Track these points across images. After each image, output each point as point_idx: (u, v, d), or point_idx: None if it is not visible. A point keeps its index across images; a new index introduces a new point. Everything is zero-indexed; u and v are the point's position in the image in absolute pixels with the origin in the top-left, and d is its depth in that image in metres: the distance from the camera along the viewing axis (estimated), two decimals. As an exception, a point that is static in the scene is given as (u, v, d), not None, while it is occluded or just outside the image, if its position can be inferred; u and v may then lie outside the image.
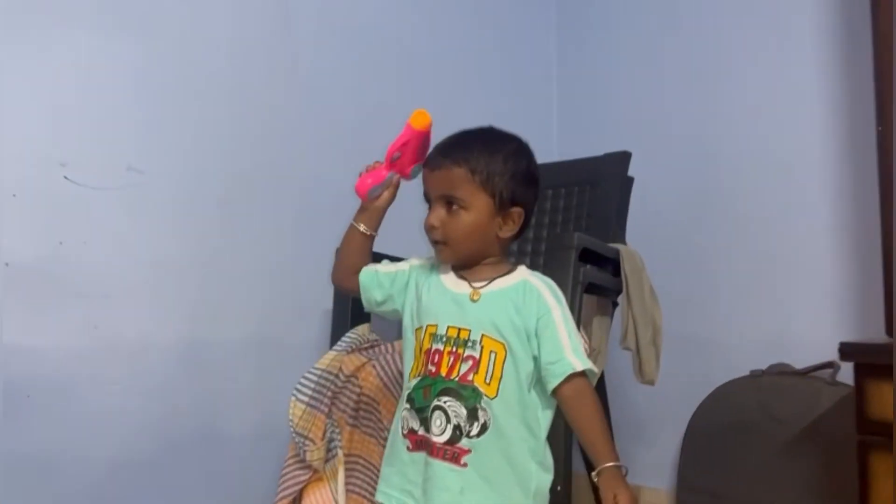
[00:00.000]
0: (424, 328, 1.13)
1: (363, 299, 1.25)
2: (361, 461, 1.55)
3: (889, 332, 1.61)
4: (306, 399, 1.58)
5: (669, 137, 2.31)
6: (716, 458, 2.01)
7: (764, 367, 1.98)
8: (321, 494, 1.56)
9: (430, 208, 1.14)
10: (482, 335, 1.09)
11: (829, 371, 1.83)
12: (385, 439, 1.49)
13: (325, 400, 1.58)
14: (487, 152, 1.12)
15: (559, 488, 1.27)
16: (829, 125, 1.95)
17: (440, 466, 1.08)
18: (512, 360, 1.08)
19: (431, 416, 1.08)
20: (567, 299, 1.26)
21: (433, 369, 1.11)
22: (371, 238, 1.24)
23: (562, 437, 1.38)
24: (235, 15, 1.98)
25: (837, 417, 1.74)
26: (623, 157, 1.92)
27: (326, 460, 1.55)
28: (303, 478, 1.56)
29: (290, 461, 1.59)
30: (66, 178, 1.70)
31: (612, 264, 1.69)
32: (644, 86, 2.41)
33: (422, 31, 2.38)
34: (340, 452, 1.54)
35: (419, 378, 1.13)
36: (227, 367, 1.89)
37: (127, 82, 1.79)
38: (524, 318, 1.10)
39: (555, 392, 1.09)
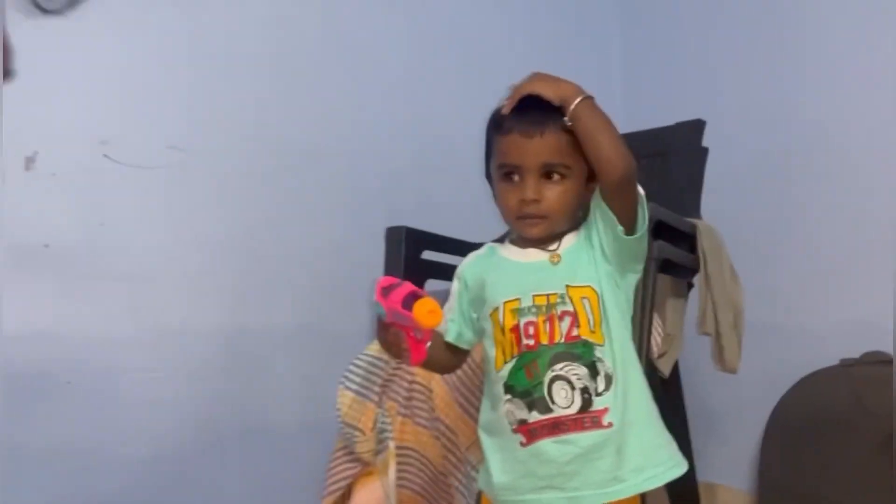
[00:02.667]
0: (502, 306, 1.07)
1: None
2: (414, 454, 1.51)
3: None
4: (355, 387, 1.56)
5: (744, 109, 2.18)
6: (801, 454, 1.88)
7: (857, 355, 1.86)
8: (372, 490, 1.54)
9: (511, 181, 1.06)
10: (566, 286, 1.04)
11: (934, 360, 1.68)
12: (440, 431, 1.46)
13: (376, 388, 1.56)
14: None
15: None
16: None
17: (584, 438, 1.01)
18: (607, 294, 1.05)
19: (550, 389, 1.02)
20: (642, 278, 1.16)
21: (531, 343, 1.04)
22: (440, 336, 1.15)
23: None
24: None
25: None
26: (696, 126, 1.81)
27: (377, 452, 1.53)
28: (352, 471, 1.56)
29: (339, 454, 1.59)
30: (106, 156, 1.71)
31: (687, 241, 1.58)
32: (716, 49, 2.28)
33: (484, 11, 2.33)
34: (392, 444, 1.51)
35: (515, 358, 1.05)
36: (271, 354, 1.90)
37: (168, 60, 1.80)
38: (593, 244, 1.07)
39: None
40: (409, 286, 0.96)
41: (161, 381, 1.73)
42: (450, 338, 1.13)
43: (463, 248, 1.78)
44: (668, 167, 1.80)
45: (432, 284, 1.83)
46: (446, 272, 1.74)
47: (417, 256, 1.80)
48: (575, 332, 1.02)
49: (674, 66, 2.42)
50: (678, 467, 1.06)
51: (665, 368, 1.56)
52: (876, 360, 1.81)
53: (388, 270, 1.81)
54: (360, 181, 2.03)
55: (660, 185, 1.79)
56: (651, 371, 1.55)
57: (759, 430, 1.98)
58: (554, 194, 1.04)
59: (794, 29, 2.08)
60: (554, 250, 1.07)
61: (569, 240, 1.09)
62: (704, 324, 1.55)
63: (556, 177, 1.04)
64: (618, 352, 1.04)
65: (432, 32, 2.22)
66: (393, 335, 1.02)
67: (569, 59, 2.43)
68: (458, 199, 1.93)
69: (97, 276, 1.66)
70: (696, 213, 1.72)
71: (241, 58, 1.89)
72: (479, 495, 1.19)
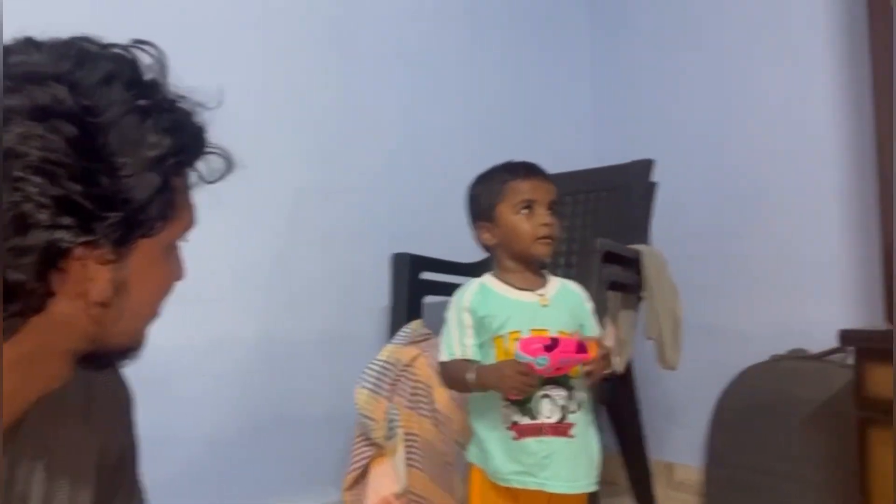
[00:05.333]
0: (507, 335, 1.32)
1: None
2: (419, 439, 1.75)
3: (889, 318, 1.78)
4: (370, 386, 1.81)
5: (694, 141, 2.46)
6: (741, 435, 2.16)
7: (783, 352, 2.13)
8: (385, 468, 1.78)
9: (529, 214, 1.35)
10: (559, 331, 1.31)
11: (841, 355, 1.98)
12: (440, 421, 1.72)
13: (386, 386, 1.81)
14: None
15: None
16: (836, 127, 2.10)
17: (556, 442, 1.29)
18: None
19: (539, 403, 1.29)
20: (593, 296, 1.49)
21: None
22: None
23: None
24: (300, 45, 2.22)
25: (847, 397, 1.89)
26: (646, 165, 2.09)
27: (388, 438, 1.77)
28: (369, 453, 1.80)
29: (358, 440, 1.83)
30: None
31: (636, 263, 1.87)
32: (672, 95, 2.57)
33: (469, 52, 2.58)
34: (400, 431, 1.75)
35: None
36: (300, 359, 2.13)
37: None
38: (578, 315, 1.38)
39: None
40: (546, 338, 1.25)
41: (209, 384, 1.96)
42: (476, 357, 1.34)
43: (454, 268, 2.08)
44: (623, 199, 2.08)
45: (430, 299, 2.13)
46: (440, 289, 2.02)
47: (417, 277, 2.09)
48: None
49: (636, 110, 2.68)
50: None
51: (619, 367, 1.86)
52: (799, 357, 2.09)
53: (395, 289, 2.10)
54: (366, 212, 2.27)
55: (617, 215, 2.11)
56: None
57: (708, 416, 2.26)
58: (556, 225, 1.36)
59: (734, 80, 2.37)
60: (543, 294, 1.36)
61: (552, 287, 1.38)
62: (649, 330, 1.86)
63: (552, 212, 1.36)
64: (583, 387, 1.33)
65: (425, 79, 2.46)
66: (531, 377, 1.24)
67: (544, 101, 2.74)
68: (446, 226, 2.02)
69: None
70: (645, 239, 2.01)
71: (272, 89, 2.12)
72: (470, 467, 1.44)
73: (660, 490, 2.32)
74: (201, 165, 0.75)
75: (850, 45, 2.03)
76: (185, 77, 0.73)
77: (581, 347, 1.24)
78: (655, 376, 2.21)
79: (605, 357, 1.30)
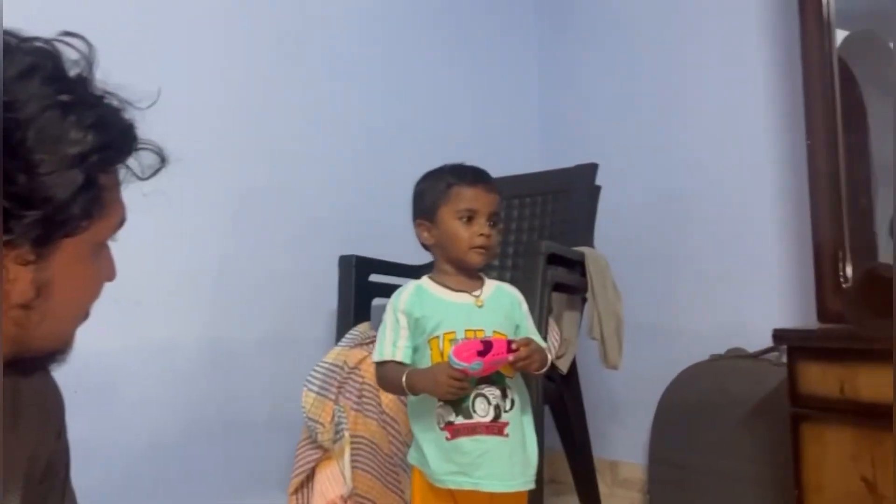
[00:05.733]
0: (441, 336, 1.33)
1: None
2: (365, 440, 1.76)
3: (820, 318, 1.85)
4: (316, 388, 1.81)
5: (638, 148, 2.52)
6: (682, 433, 2.21)
7: (722, 351, 2.19)
8: (331, 471, 1.78)
9: (468, 222, 1.36)
10: (493, 331, 1.34)
11: (776, 354, 2.06)
12: (386, 423, 1.73)
13: (333, 388, 1.80)
14: None
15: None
16: (772, 138, 2.17)
17: (490, 441, 1.30)
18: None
19: (474, 402, 1.30)
20: (537, 298, 1.51)
21: None
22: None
23: (536, 412, 1.60)
24: (246, 51, 2.21)
25: (781, 395, 1.96)
26: (591, 169, 2.13)
27: (335, 441, 1.77)
28: (314, 456, 1.79)
29: (304, 443, 1.83)
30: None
31: (580, 265, 1.90)
32: (616, 103, 2.63)
33: (415, 54, 2.59)
34: (347, 434, 1.75)
35: None
36: (245, 363, 2.12)
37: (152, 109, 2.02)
38: (513, 316, 1.40)
39: None
40: (478, 343, 1.27)
41: (151, 389, 1.93)
42: (407, 360, 1.36)
43: (402, 270, 2.09)
44: (568, 202, 2.13)
45: (379, 302, 2.11)
46: (389, 292, 2.00)
47: (365, 279, 2.09)
48: None
49: (583, 116, 2.73)
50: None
51: (563, 367, 1.90)
52: (737, 356, 2.15)
53: (342, 291, 2.10)
54: (313, 214, 2.27)
55: (562, 217, 2.15)
56: (551, 368, 1.90)
57: (651, 415, 2.30)
58: (495, 236, 1.38)
59: (676, 91, 2.44)
60: (478, 296, 1.38)
61: (488, 290, 1.40)
62: (592, 330, 1.90)
63: (493, 224, 1.38)
64: (520, 385, 1.36)
65: (373, 81, 2.46)
66: (463, 381, 1.25)
67: (492, 105, 2.77)
68: (395, 227, 2.14)
69: (97, 301, 1.86)
70: (589, 241, 2.04)
71: (212, 115, 2.10)
72: (413, 468, 1.45)
73: (605, 488, 2.37)
74: (133, 162, 0.74)
75: (785, 55, 2.11)
76: (137, 75, 0.72)
77: (511, 348, 1.27)
78: (600, 376, 2.25)
79: (540, 352, 1.32)
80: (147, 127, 1.95)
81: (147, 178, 0.76)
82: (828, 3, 1.88)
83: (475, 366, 1.24)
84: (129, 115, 0.72)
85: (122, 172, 0.74)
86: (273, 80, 2.26)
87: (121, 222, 0.75)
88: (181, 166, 2.15)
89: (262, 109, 2.23)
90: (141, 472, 1.92)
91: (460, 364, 1.24)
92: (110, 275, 0.77)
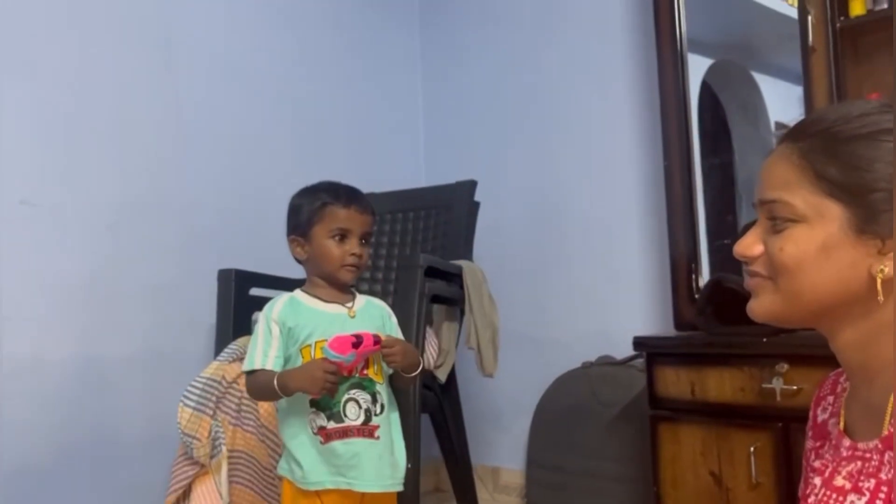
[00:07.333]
0: (313, 345, 1.37)
1: None
2: (244, 456, 1.75)
3: (676, 325, 2.00)
4: (193, 404, 1.78)
5: (515, 167, 2.65)
6: (557, 437, 2.33)
7: (593, 358, 2.32)
8: (207, 487, 1.75)
9: (340, 241, 1.41)
10: None
11: (641, 360, 2.19)
12: (265, 436, 1.74)
13: (210, 403, 1.78)
14: None
15: (409, 465, 1.53)
16: (636, 160, 2.34)
17: (361, 443, 1.36)
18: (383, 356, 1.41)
19: (345, 407, 1.36)
20: (414, 308, 1.57)
21: None
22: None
23: (413, 420, 1.67)
24: (120, 58, 2.17)
25: (644, 398, 2.09)
26: (470, 185, 2.21)
27: (212, 456, 1.74)
28: (191, 472, 1.76)
29: (180, 459, 1.79)
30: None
31: (458, 278, 1.98)
32: (497, 125, 2.75)
33: (297, 68, 2.60)
34: (224, 449, 1.74)
35: None
36: (118, 379, 2.06)
37: (19, 123, 1.94)
38: (383, 327, 1.46)
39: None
40: (351, 336, 1.32)
41: (19, 408, 1.85)
42: (278, 368, 1.38)
43: (283, 284, 2.08)
44: (448, 217, 2.20)
45: (258, 316, 2.13)
46: None
47: (245, 293, 2.07)
48: (365, 371, 1.39)
49: (465, 134, 2.83)
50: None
51: (442, 376, 1.96)
52: (607, 363, 2.29)
53: (221, 305, 2.07)
54: (191, 227, 2.23)
55: (443, 232, 2.22)
56: (430, 378, 1.96)
57: (528, 421, 2.41)
58: (367, 254, 1.45)
59: (550, 116, 2.57)
60: (351, 307, 1.44)
61: (359, 302, 1.46)
62: (469, 340, 1.97)
63: (364, 242, 1.45)
64: (388, 390, 1.43)
65: (252, 95, 2.44)
66: (336, 375, 1.30)
67: (376, 121, 2.82)
68: (276, 241, 2.12)
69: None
70: (468, 255, 2.12)
71: (86, 120, 2.06)
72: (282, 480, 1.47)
73: (486, 494, 2.45)
74: None
75: (648, 83, 2.28)
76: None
77: (377, 340, 1.36)
78: (480, 385, 2.33)
79: (408, 347, 1.43)
80: (19, 146, 1.83)
81: None
82: (680, 34, 2.05)
83: (350, 357, 1.31)
84: None
85: None
86: (148, 88, 2.22)
87: None
88: (55, 176, 2.09)
89: (138, 120, 2.19)
90: (8, 498, 1.83)
91: (337, 356, 1.30)
92: None
